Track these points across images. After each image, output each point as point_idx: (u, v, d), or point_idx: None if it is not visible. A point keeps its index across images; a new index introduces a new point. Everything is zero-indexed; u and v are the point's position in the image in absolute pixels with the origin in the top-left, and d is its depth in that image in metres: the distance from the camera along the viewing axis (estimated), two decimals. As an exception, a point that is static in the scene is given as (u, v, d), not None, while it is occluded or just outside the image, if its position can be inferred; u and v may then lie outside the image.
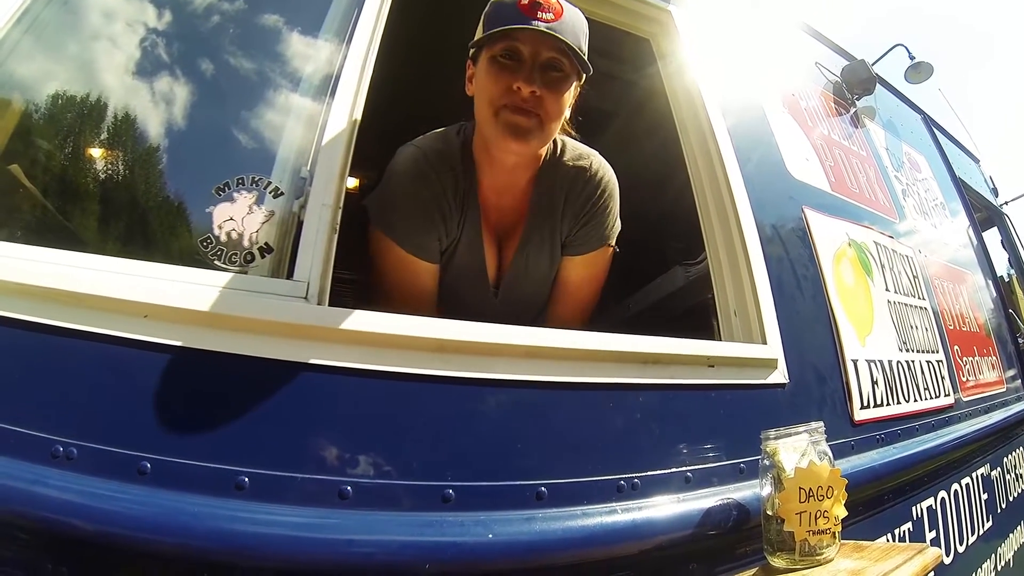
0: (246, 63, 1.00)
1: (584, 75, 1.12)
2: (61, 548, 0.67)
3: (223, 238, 0.84)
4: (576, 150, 1.30)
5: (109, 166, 0.90)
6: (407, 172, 1.19)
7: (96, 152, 0.90)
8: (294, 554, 0.68)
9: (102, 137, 0.89)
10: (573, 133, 1.32)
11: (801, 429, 0.93)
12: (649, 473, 0.97)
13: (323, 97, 0.99)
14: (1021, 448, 2.27)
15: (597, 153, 1.32)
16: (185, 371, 0.75)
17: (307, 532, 0.69)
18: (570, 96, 1.14)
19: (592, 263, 1.35)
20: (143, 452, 0.70)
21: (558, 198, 1.28)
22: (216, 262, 0.83)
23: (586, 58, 1.08)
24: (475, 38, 1.11)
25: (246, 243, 0.85)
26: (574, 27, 1.07)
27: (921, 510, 1.52)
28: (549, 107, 1.09)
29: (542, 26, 1.02)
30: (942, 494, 1.62)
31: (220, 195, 0.87)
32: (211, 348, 0.76)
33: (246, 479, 0.71)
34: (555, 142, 1.27)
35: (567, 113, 1.16)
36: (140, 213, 0.90)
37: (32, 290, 0.73)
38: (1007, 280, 3.24)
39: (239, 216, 0.85)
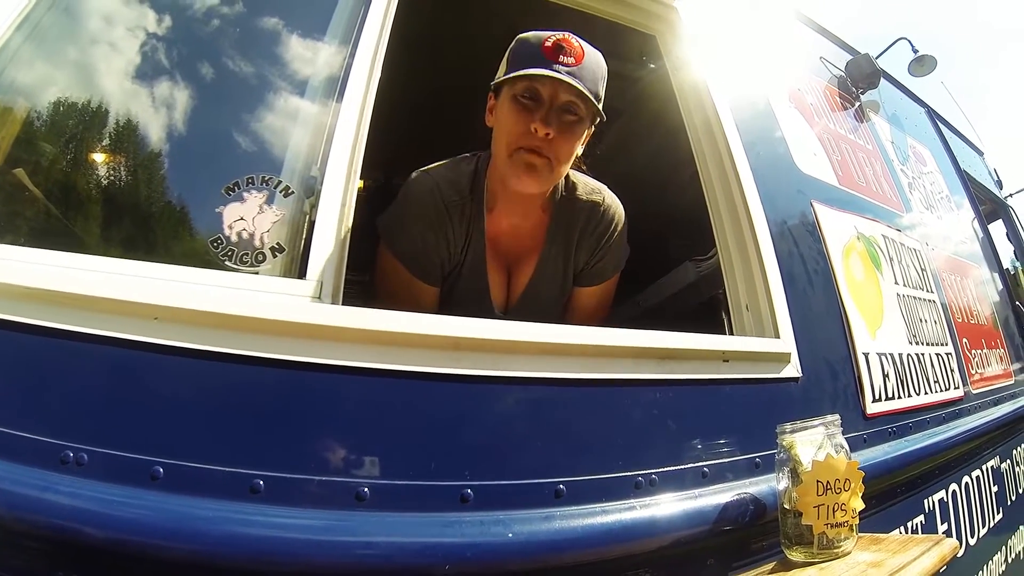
0: (254, 63, 0.99)
1: (598, 119, 1.18)
2: (72, 556, 0.65)
3: (234, 238, 0.83)
4: (588, 185, 1.37)
5: (118, 169, 0.89)
6: (416, 198, 1.25)
7: (105, 155, 0.89)
8: (312, 558, 0.67)
9: (111, 140, 0.88)
10: (583, 168, 1.39)
11: (817, 422, 0.92)
12: (666, 469, 0.96)
13: (332, 96, 0.98)
14: (1030, 440, 2.25)
15: (606, 187, 1.39)
16: (197, 373, 0.74)
17: (325, 535, 0.68)
18: (583, 138, 1.21)
19: (602, 292, 1.44)
20: (155, 456, 0.68)
21: (573, 230, 1.35)
22: (227, 263, 0.82)
23: (601, 105, 1.15)
24: (499, 73, 1.18)
25: (257, 243, 0.84)
26: (594, 72, 1.14)
27: (933, 503, 1.51)
28: (559, 150, 1.15)
29: (563, 71, 1.09)
30: (953, 487, 1.62)
31: (230, 195, 0.85)
32: (223, 350, 0.74)
33: (261, 482, 0.70)
34: (567, 179, 1.34)
35: (579, 151, 1.22)
36: (149, 214, 0.89)
37: (40, 294, 0.71)
38: (1012, 272, 3.24)
39: (249, 216, 0.84)
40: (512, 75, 1.12)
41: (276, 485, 0.70)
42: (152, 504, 0.66)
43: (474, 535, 0.74)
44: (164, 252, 0.86)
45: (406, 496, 0.75)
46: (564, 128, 1.14)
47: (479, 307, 1.32)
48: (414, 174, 1.27)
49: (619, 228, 1.37)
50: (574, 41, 1.12)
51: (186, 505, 0.66)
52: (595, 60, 1.15)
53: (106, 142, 0.88)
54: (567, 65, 1.09)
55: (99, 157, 0.88)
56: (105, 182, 0.89)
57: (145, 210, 0.90)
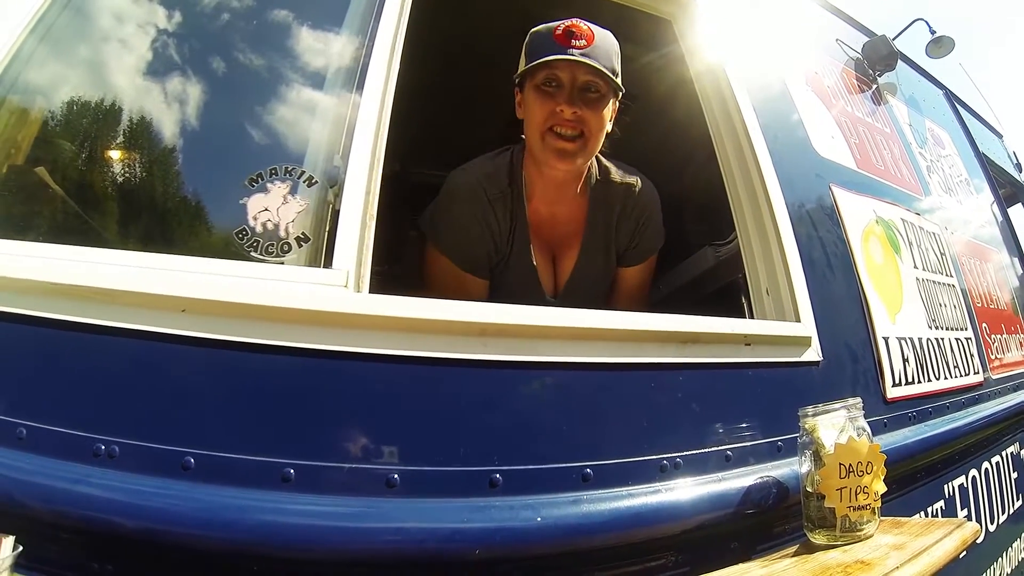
0: (273, 56, 0.99)
1: (620, 92, 1.23)
2: (106, 547, 0.66)
3: (259, 229, 0.83)
4: (621, 169, 1.42)
5: (141, 164, 0.89)
6: (459, 195, 1.31)
7: (127, 152, 0.89)
8: (344, 545, 0.68)
9: (133, 137, 0.89)
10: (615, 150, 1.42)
11: (839, 405, 0.92)
12: (690, 452, 0.96)
13: (352, 85, 0.98)
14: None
15: (637, 171, 1.45)
16: (226, 364, 0.74)
17: (356, 522, 0.69)
18: (609, 111, 1.25)
19: (645, 269, 1.51)
20: (186, 447, 0.69)
21: (612, 214, 1.41)
22: (252, 254, 0.82)
23: (619, 80, 1.20)
24: (519, 69, 1.24)
25: (282, 233, 0.84)
26: (607, 50, 1.19)
27: (953, 488, 1.50)
28: (591, 124, 1.21)
29: (576, 54, 1.14)
30: (973, 472, 1.61)
31: (253, 186, 0.86)
32: (252, 340, 0.74)
33: (292, 471, 0.71)
34: (600, 163, 1.40)
35: (609, 127, 1.27)
36: (173, 208, 0.90)
37: (68, 289, 0.72)
38: (1033, 257, 3.19)
39: (274, 206, 0.84)
40: (530, 65, 1.18)
41: (307, 473, 0.71)
42: (184, 494, 0.67)
43: (504, 519, 0.74)
44: (189, 245, 0.87)
45: (436, 482, 0.75)
46: (589, 103, 1.19)
47: (530, 295, 1.36)
48: (453, 172, 1.33)
49: (655, 208, 1.43)
50: (583, 25, 1.17)
51: (218, 495, 0.67)
52: (606, 39, 1.20)
53: (129, 139, 0.89)
54: (579, 48, 1.15)
55: (122, 154, 0.89)
56: (128, 178, 0.90)
57: (169, 204, 0.90)
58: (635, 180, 1.42)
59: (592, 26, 1.18)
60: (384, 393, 0.78)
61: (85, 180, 0.90)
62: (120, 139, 0.89)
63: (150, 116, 0.90)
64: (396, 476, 0.73)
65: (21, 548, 0.53)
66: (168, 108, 0.90)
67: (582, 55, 1.14)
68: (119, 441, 0.68)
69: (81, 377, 0.71)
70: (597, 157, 1.37)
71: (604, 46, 1.19)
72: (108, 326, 0.72)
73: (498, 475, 0.79)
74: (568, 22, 1.17)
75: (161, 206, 0.90)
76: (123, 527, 0.64)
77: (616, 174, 1.40)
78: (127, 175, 0.90)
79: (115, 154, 0.89)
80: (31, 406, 0.69)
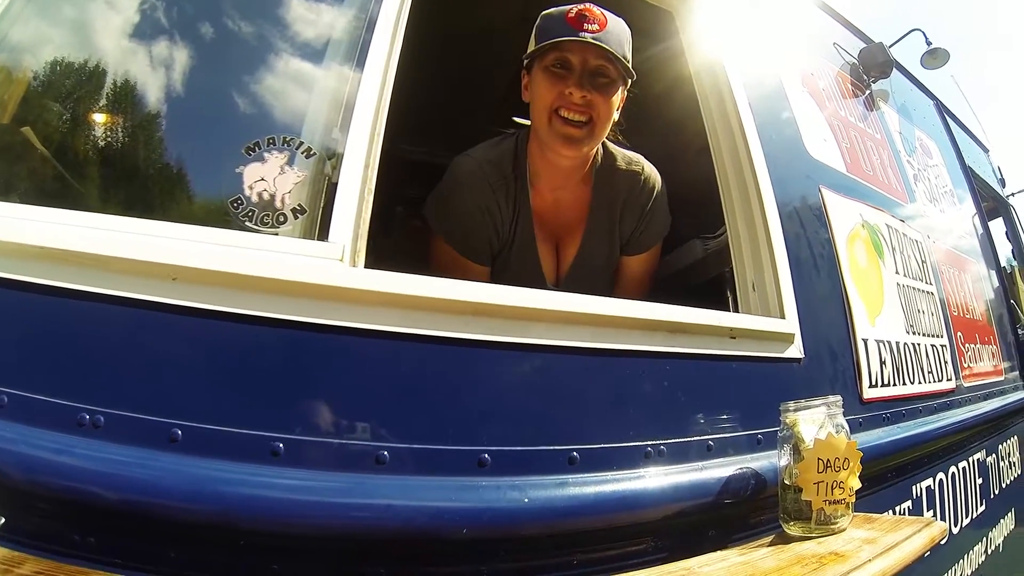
0: (276, 23, 0.96)
1: (629, 80, 1.22)
2: (89, 518, 0.65)
3: (254, 199, 0.81)
4: (626, 156, 1.41)
5: (134, 127, 0.86)
6: (462, 180, 1.30)
7: (122, 114, 0.86)
8: (332, 520, 0.68)
9: (127, 99, 0.86)
10: (620, 139, 1.42)
11: (819, 402, 0.95)
12: (674, 440, 0.98)
13: (354, 56, 0.96)
14: (1014, 437, 2.30)
15: (643, 157, 1.43)
16: (217, 335, 0.73)
17: (345, 498, 0.69)
18: (618, 99, 1.24)
19: (649, 258, 1.50)
20: (174, 419, 0.68)
21: (616, 201, 1.40)
22: (247, 223, 0.80)
23: (630, 65, 1.19)
24: (528, 50, 1.22)
25: (278, 204, 0.82)
26: (619, 36, 1.18)
27: (921, 490, 1.55)
28: (600, 109, 1.19)
29: (588, 37, 1.13)
30: (940, 476, 1.65)
31: (250, 155, 0.84)
32: (244, 311, 0.73)
33: (281, 445, 0.70)
34: (605, 149, 1.38)
35: (616, 115, 1.26)
36: (167, 174, 0.87)
37: (56, 253, 0.70)
38: (1009, 271, 3.28)
39: (271, 176, 0.82)
40: (540, 46, 1.16)
41: (296, 448, 0.70)
42: (170, 466, 0.66)
43: (491, 500, 0.75)
44: (182, 212, 0.85)
45: (425, 460, 0.75)
46: (599, 88, 1.18)
47: (532, 282, 1.34)
48: (457, 157, 1.32)
49: (660, 196, 1.43)
50: (595, 9, 1.16)
51: (205, 467, 0.66)
52: (618, 25, 1.19)
53: (123, 102, 0.86)
54: (592, 32, 1.13)
55: (115, 118, 0.86)
56: (121, 142, 0.87)
57: (163, 170, 0.88)
58: (640, 167, 1.41)
59: (605, 12, 1.17)
60: (376, 370, 0.78)
61: (78, 142, 0.87)
62: (115, 102, 0.86)
63: (146, 80, 0.87)
64: (385, 453, 0.73)
65: (4, 519, 0.52)
66: (164, 74, 0.88)
67: (594, 39, 1.13)
68: (104, 411, 0.67)
69: (66, 344, 0.69)
70: (603, 143, 1.35)
71: (616, 32, 1.18)
72: (96, 292, 0.70)
73: (486, 455, 0.79)
74: (582, 5, 1.16)
75: (154, 172, 0.88)
76: (107, 499, 0.63)
77: (621, 161, 1.39)
78: (120, 139, 0.87)
79: (108, 117, 0.86)
80: (14, 373, 0.67)
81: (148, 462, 0.65)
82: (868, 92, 2.09)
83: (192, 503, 0.65)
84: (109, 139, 0.87)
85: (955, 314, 2.03)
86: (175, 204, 0.87)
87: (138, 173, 0.87)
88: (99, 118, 0.87)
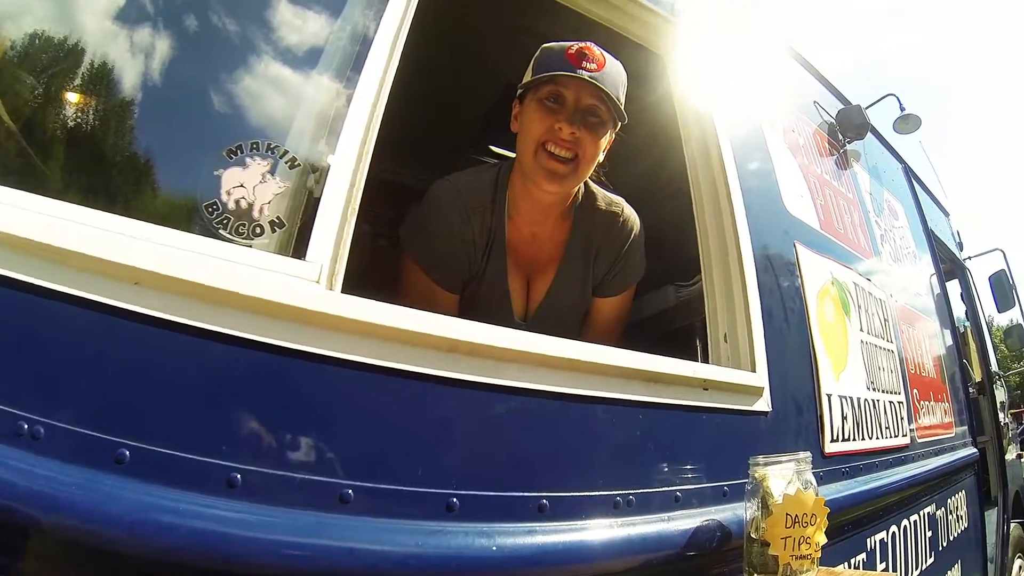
0: (269, 24, 0.92)
1: (619, 123, 1.24)
2: (18, 541, 0.58)
3: (231, 205, 0.76)
4: (606, 197, 1.41)
5: (111, 115, 0.79)
6: (438, 205, 1.28)
7: (99, 99, 0.79)
8: (289, 561, 0.63)
9: (106, 84, 0.80)
10: (603, 179, 1.42)
11: (788, 458, 0.95)
12: (644, 491, 0.97)
13: (348, 69, 0.92)
14: (962, 492, 2.39)
15: (623, 200, 1.43)
16: (177, 349, 0.67)
17: (304, 537, 0.64)
18: (606, 141, 1.25)
19: (621, 302, 1.49)
20: (122, 438, 0.62)
21: (593, 241, 1.39)
22: (221, 231, 0.75)
23: (623, 108, 1.20)
24: (523, 80, 1.23)
25: (255, 214, 0.77)
26: (615, 79, 1.19)
27: (875, 542, 1.57)
28: (587, 147, 1.20)
29: (585, 75, 1.14)
30: (893, 528, 1.69)
31: (231, 158, 0.78)
32: (210, 326, 0.67)
33: (238, 476, 0.65)
34: (587, 188, 1.38)
35: (601, 157, 1.27)
36: (140, 167, 0.80)
37: (5, 239, 0.62)
38: (962, 331, 3.43)
39: (250, 184, 0.77)
40: (536, 78, 1.17)
41: (255, 480, 0.65)
42: (115, 491, 0.59)
43: (459, 546, 0.71)
44: (152, 211, 0.78)
45: (392, 501, 0.71)
46: (589, 127, 1.19)
47: (499, 315, 1.33)
48: (436, 181, 1.30)
49: (637, 239, 1.43)
50: (596, 50, 1.17)
51: (153, 495, 0.60)
52: (616, 68, 1.21)
53: (103, 89, 0.79)
54: (589, 70, 1.14)
55: (89, 99, 0.79)
56: (94, 125, 0.80)
57: (135, 162, 0.81)
58: (620, 208, 1.41)
59: (605, 52, 1.19)
60: (345, 402, 0.74)
61: (47, 120, 0.80)
62: (92, 87, 0.79)
63: (131, 67, 0.80)
64: (350, 492, 0.69)
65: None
66: (152, 62, 0.81)
67: (591, 77, 1.14)
68: (45, 421, 0.59)
69: (8, 343, 0.62)
70: (585, 182, 1.35)
71: (613, 73, 1.19)
72: (47, 287, 0.62)
73: (455, 499, 0.75)
74: (583, 43, 1.17)
75: (124, 162, 0.82)
76: (37, 520, 0.56)
77: (602, 201, 1.39)
78: (92, 122, 0.80)
79: (83, 99, 0.80)
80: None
81: (90, 483, 0.59)
82: (843, 151, 2.16)
83: (136, 533, 0.58)
84: (80, 121, 0.80)
85: (912, 372, 2.09)
86: (143, 200, 0.80)
87: (107, 161, 0.80)
88: (73, 97, 0.80)
